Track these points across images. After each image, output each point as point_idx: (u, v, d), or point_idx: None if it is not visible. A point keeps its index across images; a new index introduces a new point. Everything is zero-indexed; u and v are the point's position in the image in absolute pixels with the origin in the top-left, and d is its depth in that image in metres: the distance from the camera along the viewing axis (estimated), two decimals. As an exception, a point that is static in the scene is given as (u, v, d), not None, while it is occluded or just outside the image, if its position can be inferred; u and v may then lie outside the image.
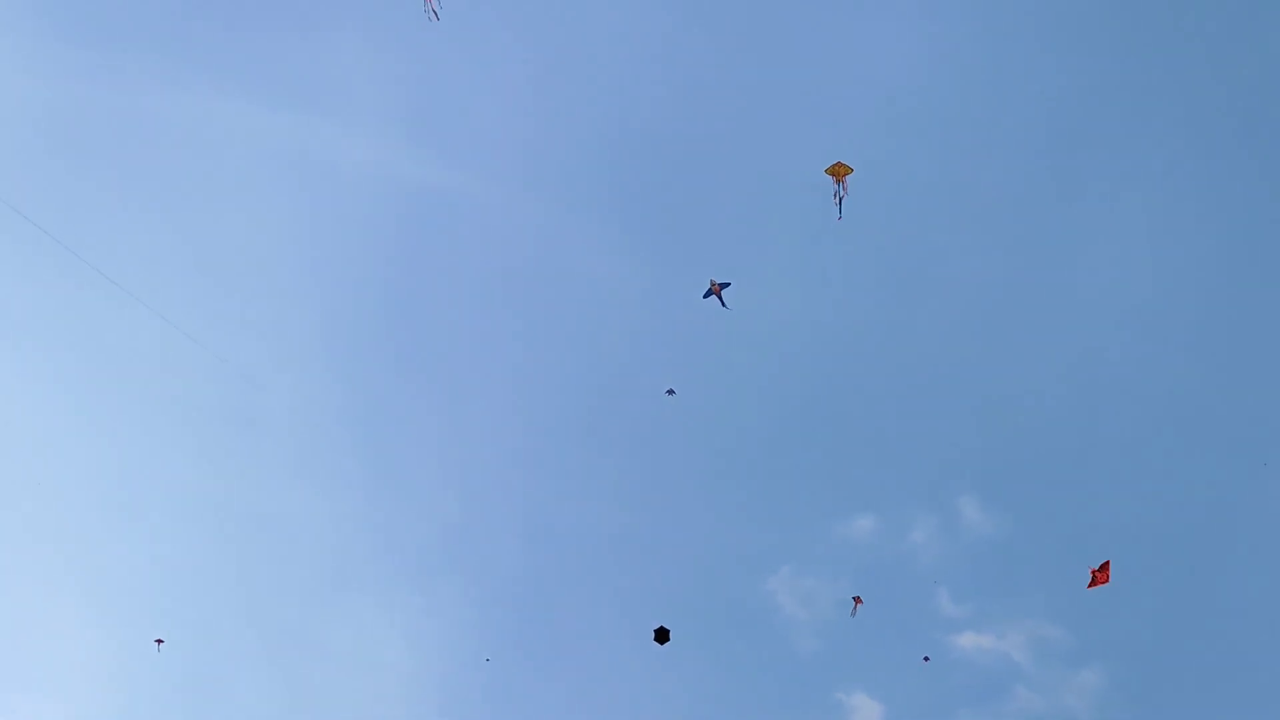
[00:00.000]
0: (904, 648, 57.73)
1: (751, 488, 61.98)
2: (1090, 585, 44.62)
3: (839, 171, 39.58)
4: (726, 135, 58.51)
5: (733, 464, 62.17)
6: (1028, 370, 61.94)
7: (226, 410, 53.50)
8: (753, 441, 62.41)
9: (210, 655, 52.14)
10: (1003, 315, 61.85)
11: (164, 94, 52.18)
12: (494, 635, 56.38)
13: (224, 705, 51.67)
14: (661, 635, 42.20)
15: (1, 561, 49.66)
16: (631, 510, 60.21)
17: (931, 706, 57.36)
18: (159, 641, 47.64)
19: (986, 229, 60.26)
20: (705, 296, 42.10)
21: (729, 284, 41.71)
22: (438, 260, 58.68)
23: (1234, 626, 55.71)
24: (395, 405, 58.92)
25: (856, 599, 50.76)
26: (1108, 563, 44.44)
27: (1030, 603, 59.24)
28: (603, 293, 60.19)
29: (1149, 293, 59.80)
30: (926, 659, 54.75)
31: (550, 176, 59.19)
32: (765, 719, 57.15)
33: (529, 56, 57.13)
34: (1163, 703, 55.78)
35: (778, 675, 58.67)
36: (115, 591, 51.60)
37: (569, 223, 59.60)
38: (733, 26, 56.71)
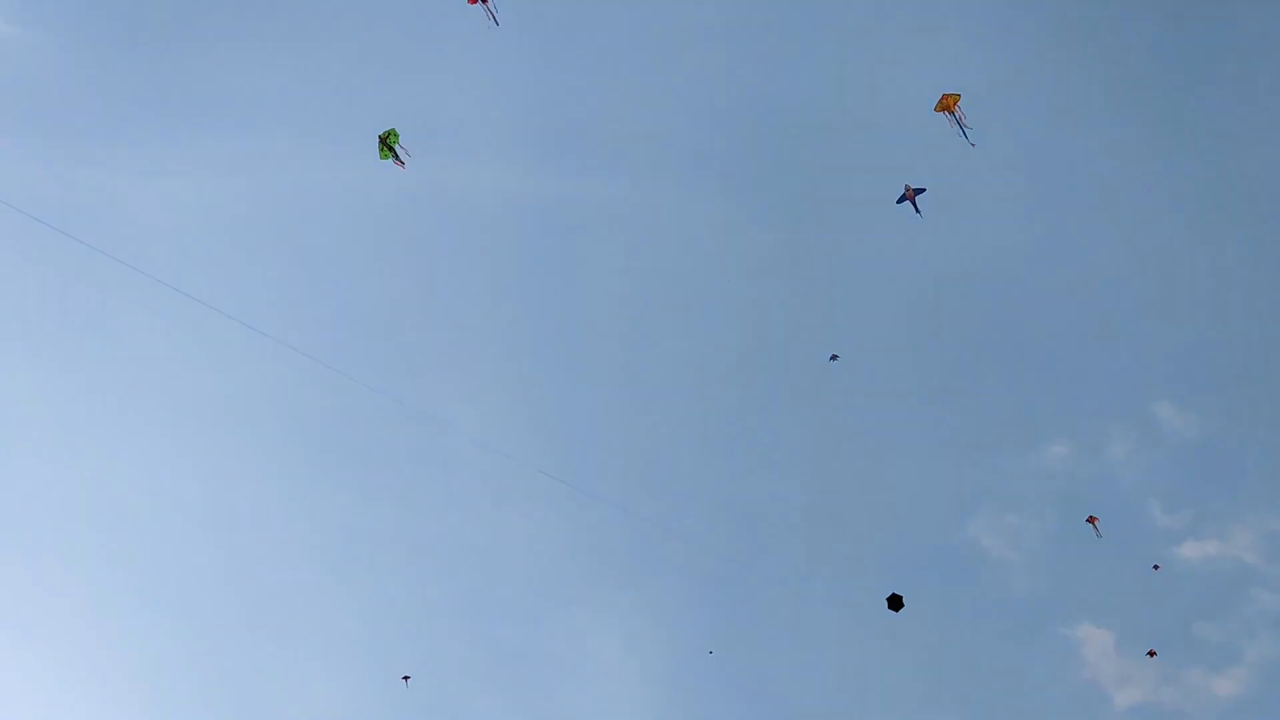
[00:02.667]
0: (1123, 570, 56.12)
1: (935, 435, 61.28)
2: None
3: (948, 103, 38.23)
4: (833, 98, 57.80)
5: (910, 415, 61.57)
6: (1199, 262, 59.58)
7: (415, 452, 55.55)
8: (926, 389, 61.70)
9: (448, 686, 54.27)
10: (1165, 210, 59.61)
11: (307, 172, 54.71)
12: (710, 624, 57.05)
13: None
14: (895, 602, 41.61)
15: (256, 627, 52.71)
16: (821, 478, 60.21)
17: (1164, 625, 55.65)
18: (406, 678, 49.85)
19: (1141, 122, 58.04)
20: (899, 202, 41.43)
21: (924, 189, 40.97)
22: (585, 266, 59.68)
23: None
24: (570, 415, 60.15)
25: (1092, 519, 48.96)
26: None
27: (1252, 499, 56.96)
28: (748, 270, 60.31)
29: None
30: (1156, 567, 52.95)
31: (673, 165, 59.56)
32: (994, 667, 56.32)
33: (629, 53, 57.58)
34: None
35: (997, 620, 57.77)
36: (356, 637, 54.17)
37: (699, 206, 59.95)
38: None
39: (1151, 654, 50.87)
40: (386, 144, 35.91)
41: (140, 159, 52.61)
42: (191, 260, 52.43)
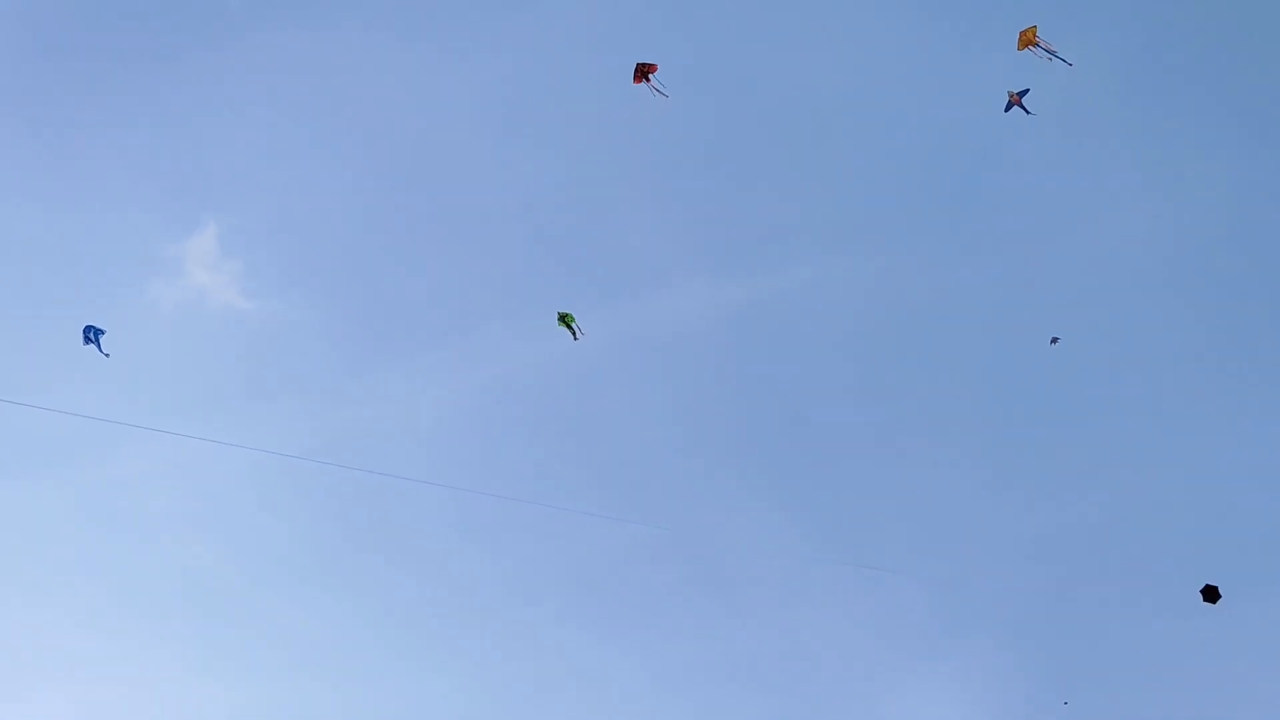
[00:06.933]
0: None
1: (1229, 420, 55.42)
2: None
3: (1029, 38, 36.52)
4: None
5: (1195, 399, 56.19)
6: None
7: (699, 578, 56.55)
8: (1203, 363, 56.22)
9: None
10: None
11: (514, 352, 58.66)
12: (1042, 673, 53.39)
13: None
14: (1210, 593, 37.99)
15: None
16: (1113, 492, 55.84)
17: None
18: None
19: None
20: (1007, 110, 40.08)
21: (1028, 90, 39.55)
22: (792, 351, 59.57)
23: None
24: (834, 494, 59.25)
25: None
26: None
27: None
28: (962, 307, 57.91)
29: None
30: None
31: (850, 240, 58.99)
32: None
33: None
34: None
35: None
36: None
37: (889, 270, 58.96)
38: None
39: None
40: (565, 321, 40.59)
41: (380, 382, 58.57)
42: (449, 456, 57.20)
